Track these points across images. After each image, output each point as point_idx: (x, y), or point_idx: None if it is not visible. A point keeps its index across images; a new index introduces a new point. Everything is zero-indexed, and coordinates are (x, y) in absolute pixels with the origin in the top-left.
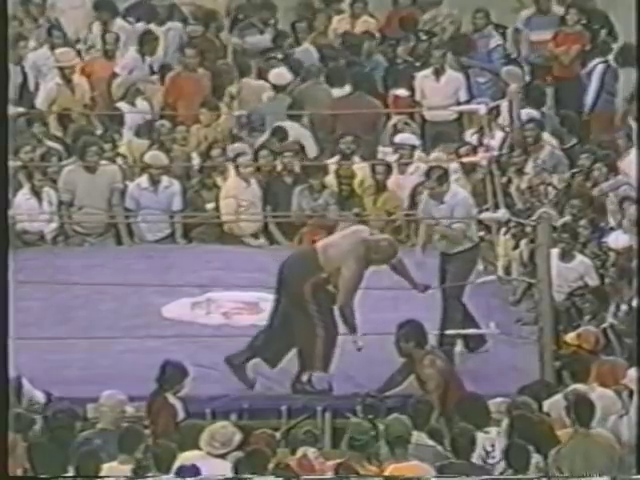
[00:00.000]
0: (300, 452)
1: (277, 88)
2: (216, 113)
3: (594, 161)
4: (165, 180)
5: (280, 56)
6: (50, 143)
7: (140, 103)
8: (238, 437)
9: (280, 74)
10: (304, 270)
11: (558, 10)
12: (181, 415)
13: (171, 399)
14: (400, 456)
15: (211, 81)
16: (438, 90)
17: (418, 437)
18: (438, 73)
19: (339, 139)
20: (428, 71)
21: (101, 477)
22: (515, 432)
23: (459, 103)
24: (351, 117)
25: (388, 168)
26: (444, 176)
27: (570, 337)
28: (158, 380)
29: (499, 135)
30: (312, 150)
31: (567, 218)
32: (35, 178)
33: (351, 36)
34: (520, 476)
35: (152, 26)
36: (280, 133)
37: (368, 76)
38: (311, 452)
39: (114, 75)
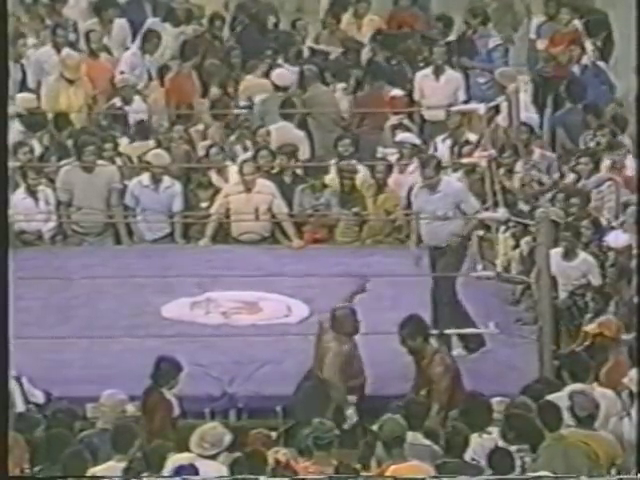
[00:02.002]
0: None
1: (279, 89)
2: (216, 112)
3: (580, 157)
4: (167, 180)
5: (281, 57)
6: (49, 142)
7: (137, 102)
8: (228, 438)
9: (282, 75)
10: None
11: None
12: (177, 411)
13: (167, 395)
14: (397, 456)
15: (210, 81)
16: (437, 89)
17: (414, 437)
18: (438, 72)
19: (337, 141)
20: (428, 70)
21: (98, 477)
22: (512, 432)
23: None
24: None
25: (388, 167)
26: (438, 165)
27: (591, 327)
28: (152, 376)
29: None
30: (306, 152)
31: (570, 218)
32: (29, 177)
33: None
34: (520, 476)
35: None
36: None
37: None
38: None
39: (117, 74)
